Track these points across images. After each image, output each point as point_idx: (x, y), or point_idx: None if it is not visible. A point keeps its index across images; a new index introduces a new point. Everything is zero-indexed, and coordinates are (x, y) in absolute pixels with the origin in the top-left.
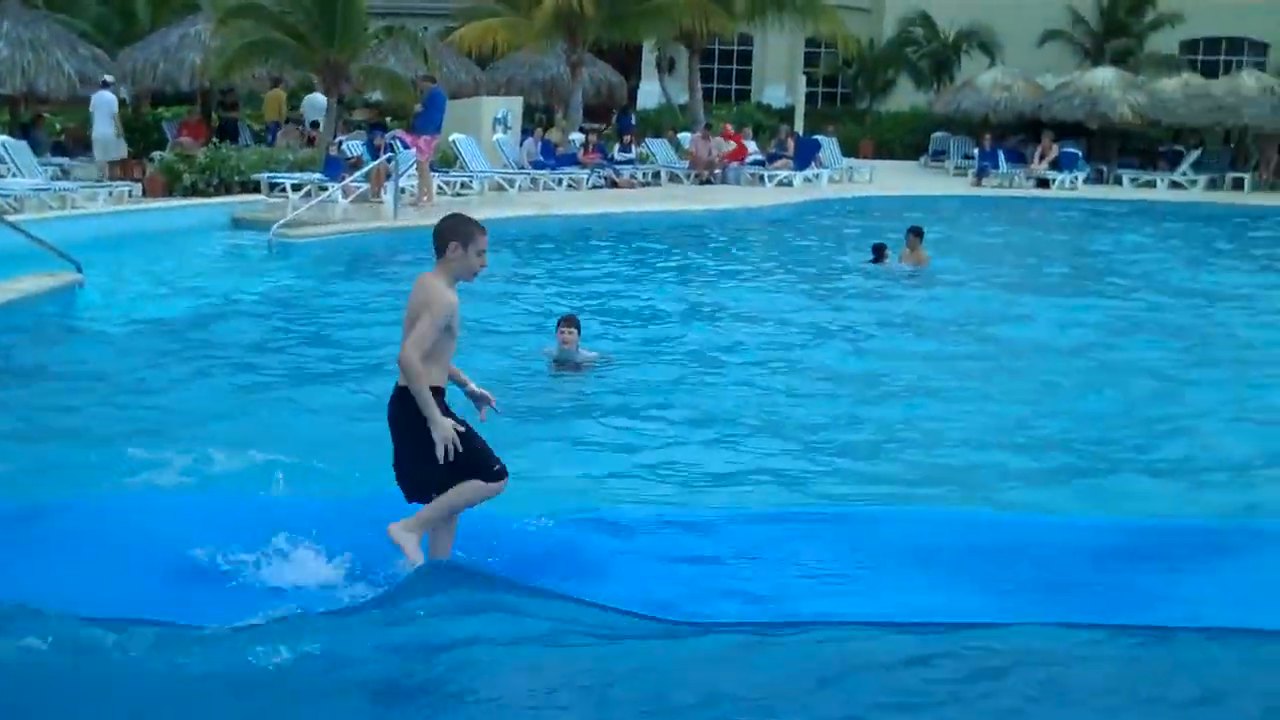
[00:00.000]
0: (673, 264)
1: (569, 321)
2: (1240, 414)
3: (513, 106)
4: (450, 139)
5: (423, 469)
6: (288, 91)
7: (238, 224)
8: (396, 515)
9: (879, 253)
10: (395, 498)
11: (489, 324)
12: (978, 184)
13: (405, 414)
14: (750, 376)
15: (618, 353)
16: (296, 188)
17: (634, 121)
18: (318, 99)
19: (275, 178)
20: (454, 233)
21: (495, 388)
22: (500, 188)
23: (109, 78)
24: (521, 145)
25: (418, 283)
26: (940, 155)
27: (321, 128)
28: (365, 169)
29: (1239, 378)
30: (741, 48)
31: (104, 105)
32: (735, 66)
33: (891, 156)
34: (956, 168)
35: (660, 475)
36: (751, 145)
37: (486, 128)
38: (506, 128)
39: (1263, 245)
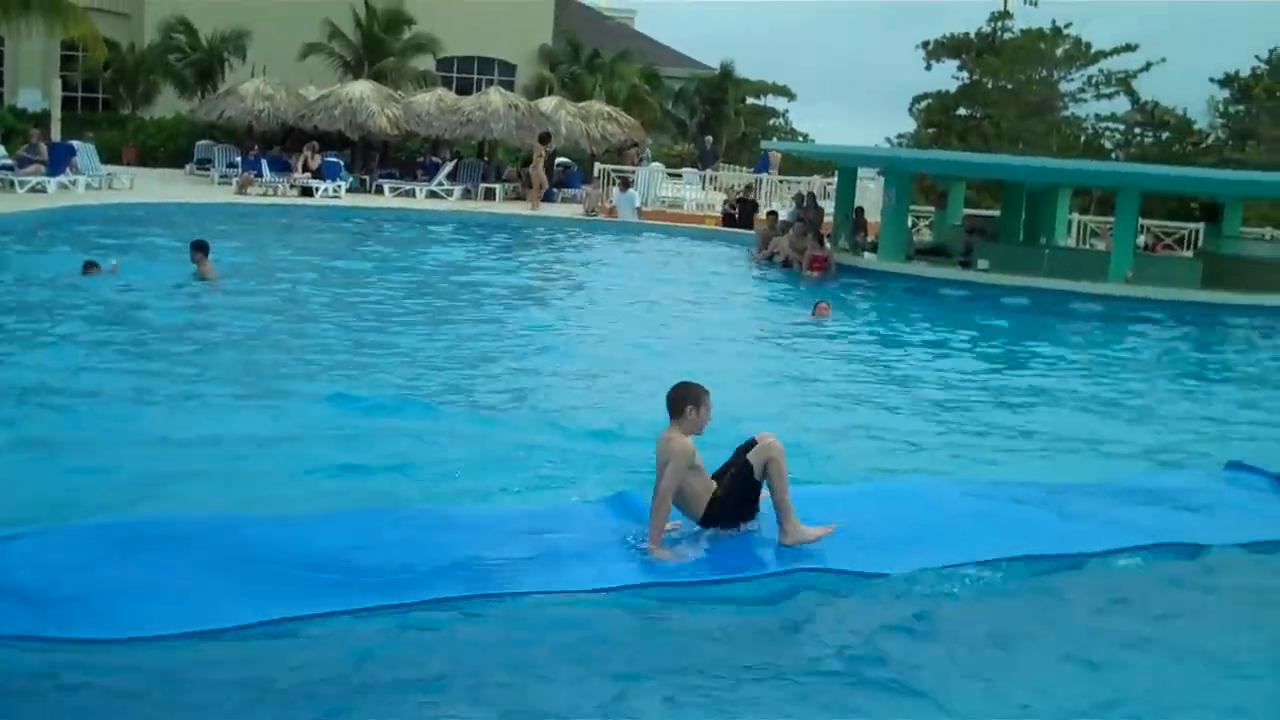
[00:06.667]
0: None
1: None
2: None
3: None
4: None
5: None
6: None
7: None
8: None
9: (89, 267)
10: None
11: None
12: (242, 192)
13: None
14: None
15: None
16: None
17: None
18: None
19: None
20: (691, 396)
21: None
22: None
23: None
24: None
25: (663, 439)
26: (205, 163)
27: None
28: None
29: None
30: None
31: None
32: None
33: (156, 164)
34: (221, 176)
35: None
36: None
37: None
38: None
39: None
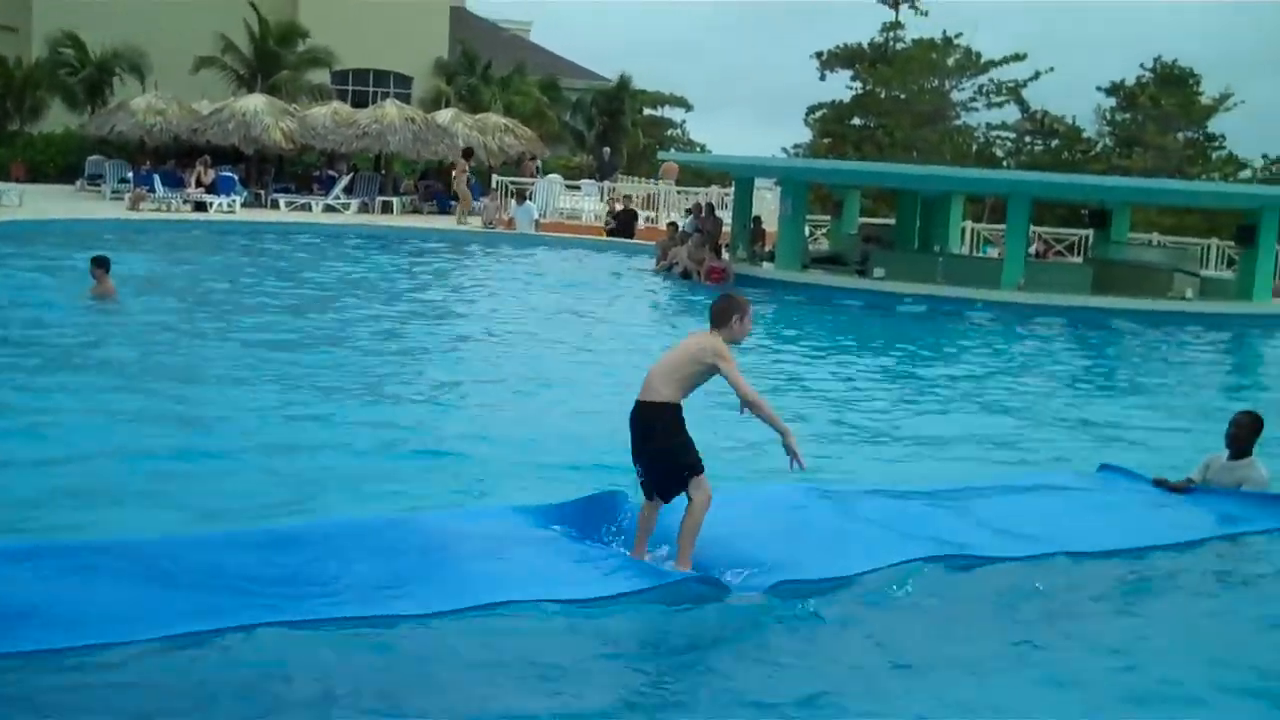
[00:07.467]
0: None
1: None
2: None
3: None
4: None
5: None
6: None
7: None
8: None
9: None
10: None
11: None
12: (134, 208)
13: (660, 425)
14: None
15: None
16: None
17: None
18: None
19: None
20: (737, 307)
21: None
22: None
23: None
24: None
25: (701, 337)
26: (97, 179)
27: None
28: None
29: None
30: None
31: None
32: None
33: (46, 180)
34: (113, 192)
35: None
36: None
37: None
38: None
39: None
